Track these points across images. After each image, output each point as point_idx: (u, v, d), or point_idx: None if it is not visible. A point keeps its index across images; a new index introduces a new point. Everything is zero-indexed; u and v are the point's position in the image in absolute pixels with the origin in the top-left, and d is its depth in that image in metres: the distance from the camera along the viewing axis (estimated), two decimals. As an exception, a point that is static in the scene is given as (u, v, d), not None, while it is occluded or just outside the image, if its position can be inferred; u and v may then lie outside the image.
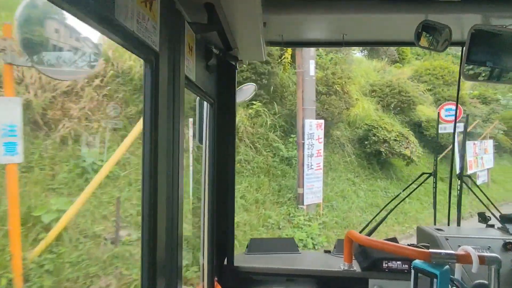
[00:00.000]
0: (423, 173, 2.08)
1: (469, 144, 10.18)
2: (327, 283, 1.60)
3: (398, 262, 1.56)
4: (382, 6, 1.29)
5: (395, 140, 8.51)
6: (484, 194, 2.01)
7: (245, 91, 2.49)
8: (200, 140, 1.62)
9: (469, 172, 9.99)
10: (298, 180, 6.85)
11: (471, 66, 1.33)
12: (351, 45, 1.77)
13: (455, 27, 1.29)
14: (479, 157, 10.69)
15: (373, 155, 9.06)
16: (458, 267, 1.16)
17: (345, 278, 1.58)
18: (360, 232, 1.62)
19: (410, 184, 2.06)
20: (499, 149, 14.17)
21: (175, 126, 0.94)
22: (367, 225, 2.00)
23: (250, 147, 7.13)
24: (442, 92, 13.48)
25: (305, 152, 6.68)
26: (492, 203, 1.99)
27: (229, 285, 1.63)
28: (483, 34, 1.27)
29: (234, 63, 1.59)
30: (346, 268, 1.59)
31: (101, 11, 0.63)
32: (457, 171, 2.25)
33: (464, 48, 1.31)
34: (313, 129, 6.72)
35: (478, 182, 10.66)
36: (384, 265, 1.57)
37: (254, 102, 7.39)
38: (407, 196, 2.04)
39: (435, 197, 2.16)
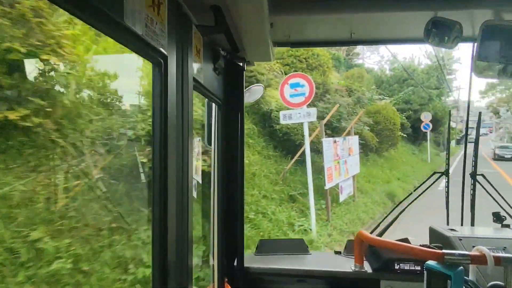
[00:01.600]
0: (435, 172, 2.00)
1: (327, 142, 6.71)
2: (338, 284, 1.58)
3: (410, 263, 1.52)
4: (390, 3, 1.26)
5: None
6: (499, 193, 1.94)
7: (254, 92, 2.37)
8: (209, 142, 1.59)
9: (327, 186, 6.44)
10: None
11: (482, 63, 1.29)
12: (359, 44, 1.74)
13: (466, 23, 1.27)
14: (342, 161, 7.45)
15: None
16: (472, 268, 1.13)
17: (356, 279, 1.56)
18: (371, 232, 1.58)
19: (422, 184, 1.99)
20: (365, 148, 11.82)
21: (184, 127, 0.94)
22: (378, 225, 1.90)
23: None
24: (306, 77, 10.41)
25: None
26: (507, 202, 1.90)
27: (239, 286, 1.61)
28: (495, 30, 1.24)
29: (241, 65, 1.57)
30: (357, 269, 1.55)
31: (110, 16, 0.64)
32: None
33: (475, 44, 1.28)
34: None
35: (342, 197, 7.38)
36: (396, 266, 1.54)
37: None
38: (419, 196, 1.95)
39: (447, 197, 2.09)
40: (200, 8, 0.99)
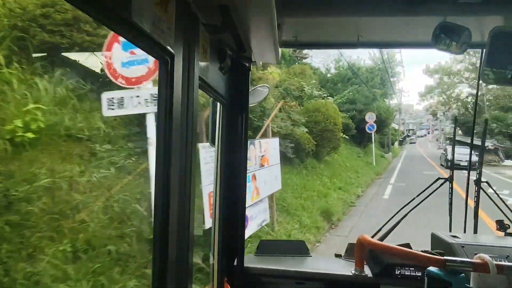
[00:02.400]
0: (439, 178, 1.99)
1: (204, 149, 4.20)
2: (338, 287, 1.59)
3: (411, 269, 1.53)
4: (399, 7, 1.26)
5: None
6: (503, 201, 1.92)
7: (259, 93, 2.30)
8: (213, 141, 1.62)
9: (207, 226, 3.94)
10: None
11: (491, 69, 1.30)
12: (366, 47, 1.70)
13: (475, 29, 1.28)
14: (248, 177, 5.08)
15: None
16: (474, 275, 1.13)
17: (356, 283, 1.56)
18: (372, 236, 1.56)
19: (426, 189, 1.97)
20: (300, 153, 9.68)
21: (188, 126, 0.96)
22: (379, 230, 1.89)
23: None
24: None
25: None
26: (511, 210, 1.90)
27: (238, 285, 1.62)
28: (505, 36, 1.24)
29: (247, 65, 1.59)
30: (357, 273, 1.56)
31: (118, 13, 0.65)
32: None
33: (484, 50, 1.29)
34: None
35: (249, 231, 4.96)
36: (396, 271, 1.54)
37: None
38: (421, 201, 1.93)
39: (451, 203, 2.07)
40: (207, 7, 1.00)
